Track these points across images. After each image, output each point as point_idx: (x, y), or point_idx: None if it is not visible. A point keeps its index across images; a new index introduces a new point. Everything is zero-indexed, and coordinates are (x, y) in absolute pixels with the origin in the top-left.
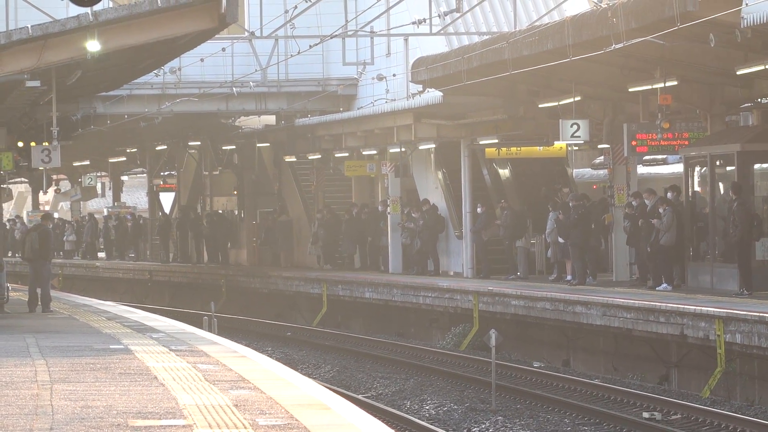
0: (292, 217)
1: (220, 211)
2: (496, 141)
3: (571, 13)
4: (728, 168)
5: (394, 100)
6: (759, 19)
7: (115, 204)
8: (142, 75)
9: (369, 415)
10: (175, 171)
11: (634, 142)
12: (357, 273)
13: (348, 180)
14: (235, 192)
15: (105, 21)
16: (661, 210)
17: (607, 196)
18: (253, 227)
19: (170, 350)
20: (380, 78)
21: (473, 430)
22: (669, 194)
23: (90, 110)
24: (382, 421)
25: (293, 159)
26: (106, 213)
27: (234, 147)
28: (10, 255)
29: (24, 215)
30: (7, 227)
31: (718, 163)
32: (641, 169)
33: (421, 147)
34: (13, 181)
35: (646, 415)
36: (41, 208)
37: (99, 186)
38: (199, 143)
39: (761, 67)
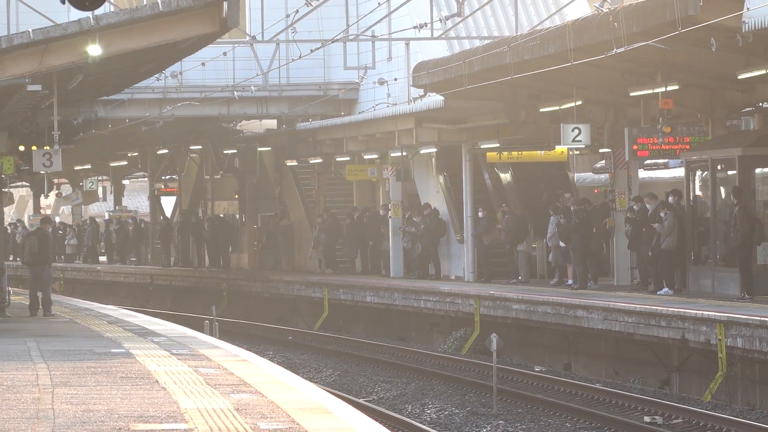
0: (293, 221)
1: (222, 215)
2: (498, 145)
3: (573, 17)
4: (729, 172)
5: (396, 104)
6: (760, 23)
7: (117, 208)
8: (144, 79)
9: (370, 419)
10: (177, 175)
11: (635, 147)
12: (358, 277)
13: (349, 184)
14: (237, 196)
15: (106, 25)
16: (662, 214)
17: (609, 201)
18: (254, 231)
19: (171, 354)
20: (381, 82)
21: None
22: (670, 198)
23: (91, 114)
24: (384, 425)
25: (294, 163)
26: (107, 217)
27: (235, 151)
28: (11, 259)
29: (25, 219)
30: (9, 231)
31: (719, 167)
32: (642, 174)
33: (422, 151)
34: (14, 185)
35: (647, 419)
36: (42, 212)
37: (100, 190)
38: (200, 147)
39: (762, 72)
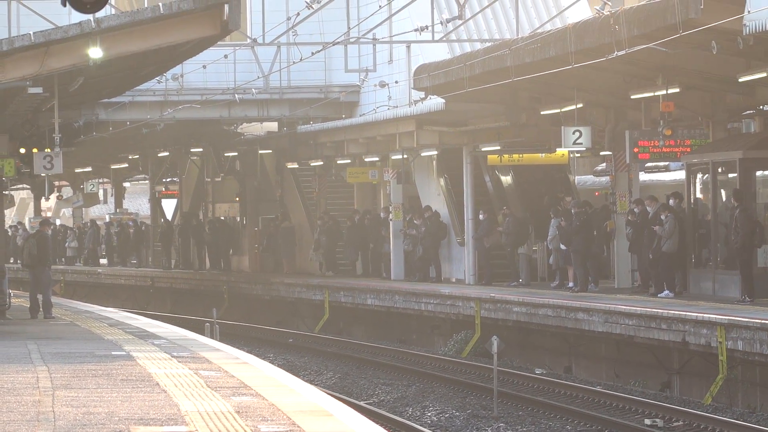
0: (294, 224)
1: (222, 218)
2: (498, 148)
3: (574, 20)
4: (730, 175)
5: (396, 107)
6: (761, 26)
7: (117, 210)
8: (145, 82)
9: (371, 421)
10: (177, 177)
11: (636, 149)
12: (359, 280)
13: (350, 187)
14: (237, 198)
15: (107, 28)
16: (663, 217)
17: (609, 203)
18: (255, 234)
19: (172, 357)
20: (382, 85)
21: None
22: (671, 201)
23: (92, 117)
24: (384, 428)
25: (295, 166)
26: (108, 219)
27: (236, 153)
28: (12, 261)
29: (26, 222)
30: (9, 234)
31: (720, 170)
32: (643, 176)
33: (423, 154)
34: (15, 187)
35: (647, 422)
36: (43, 214)
37: (101, 192)
38: (201, 150)
39: (763, 75)
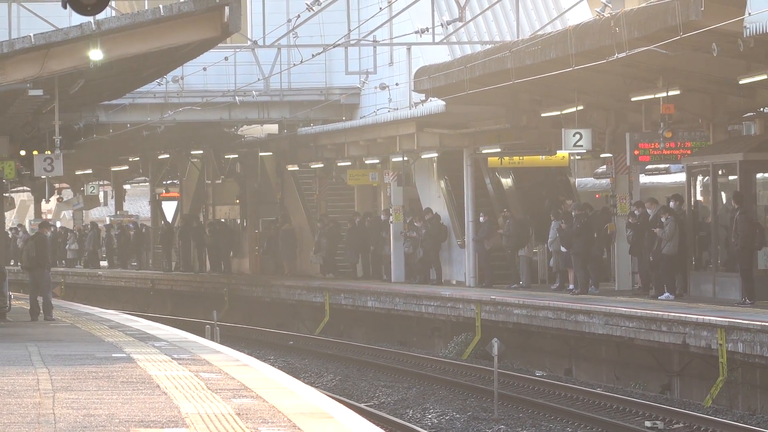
0: (294, 226)
1: (223, 220)
2: (499, 150)
3: (574, 22)
4: (730, 177)
5: (397, 109)
6: (762, 28)
7: (118, 213)
8: (145, 84)
9: (371, 423)
10: (178, 180)
11: (636, 152)
12: (359, 282)
13: (350, 189)
14: (238, 201)
15: (108, 30)
16: (663, 219)
17: (610, 205)
18: (255, 236)
19: (172, 359)
20: (383, 87)
21: None
22: (671, 203)
23: (92, 119)
24: (385, 430)
25: (296, 168)
26: (108, 222)
27: (236, 156)
28: (12, 264)
29: (26, 224)
30: (10, 236)
31: (720, 172)
32: (644, 179)
33: (423, 156)
34: (15, 189)
35: (648, 424)
36: (44, 216)
37: (101, 195)
38: (201, 152)
39: (764, 77)
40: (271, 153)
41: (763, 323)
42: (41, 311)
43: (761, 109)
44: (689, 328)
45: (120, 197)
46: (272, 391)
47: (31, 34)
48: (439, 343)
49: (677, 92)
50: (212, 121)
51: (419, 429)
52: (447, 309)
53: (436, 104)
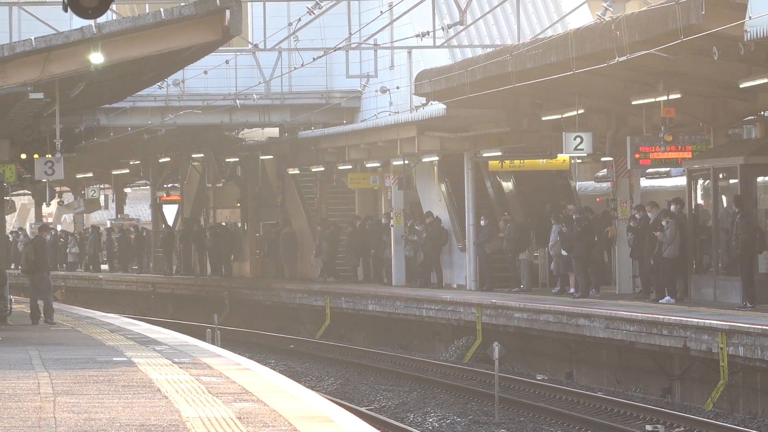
0: (295, 230)
1: (224, 224)
2: (500, 153)
3: (575, 25)
4: (731, 181)
5: (398, 112)
6: (762, 32)
7: (119, 216)
8: (146, 87)
9: (372, 427)
10: (179, 183)
11: (637, 155)
12: (360, 285)
13: (351, 192)
14: (239, 204)
15: (108, 33)
16: (664, 223)
17: (610, 209)
18: (256, 239)
19: (173, 363)
20: (383, 90)
21: None
22: (672, 207)
23: (93, 122)
24: None
25: (296, 171)
26: (109, 225)
27: (237, 159)
28: (12, 267)
29: (27, 227)
30: (10, 239)
31: (721, 176)
32: (644, 182)
33: (424, 159)
34: (16, 193)
35: (649, 427)
36: (44, 220)
37: (102, 198)
38: (202, 155)
39: (764, 80)
40: (271, 156)
41: (763, 327)
42: (41, 315)
43: (762, 112)
44: (690, 331)
45: (121, 201)
46: (273, 395)
47: (32, 38)
48: (439, 346)
49: (678, 96)
50: (213, 124)
51: None
52: (448, 312)
53: (437, 108)
